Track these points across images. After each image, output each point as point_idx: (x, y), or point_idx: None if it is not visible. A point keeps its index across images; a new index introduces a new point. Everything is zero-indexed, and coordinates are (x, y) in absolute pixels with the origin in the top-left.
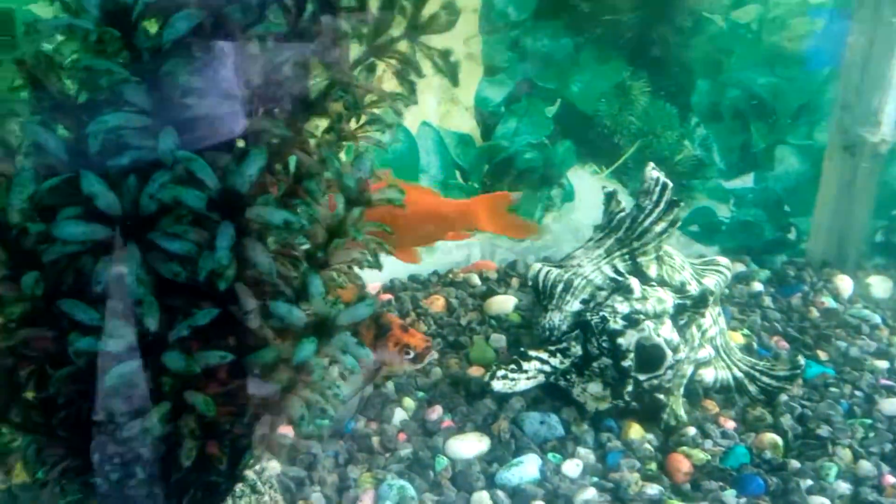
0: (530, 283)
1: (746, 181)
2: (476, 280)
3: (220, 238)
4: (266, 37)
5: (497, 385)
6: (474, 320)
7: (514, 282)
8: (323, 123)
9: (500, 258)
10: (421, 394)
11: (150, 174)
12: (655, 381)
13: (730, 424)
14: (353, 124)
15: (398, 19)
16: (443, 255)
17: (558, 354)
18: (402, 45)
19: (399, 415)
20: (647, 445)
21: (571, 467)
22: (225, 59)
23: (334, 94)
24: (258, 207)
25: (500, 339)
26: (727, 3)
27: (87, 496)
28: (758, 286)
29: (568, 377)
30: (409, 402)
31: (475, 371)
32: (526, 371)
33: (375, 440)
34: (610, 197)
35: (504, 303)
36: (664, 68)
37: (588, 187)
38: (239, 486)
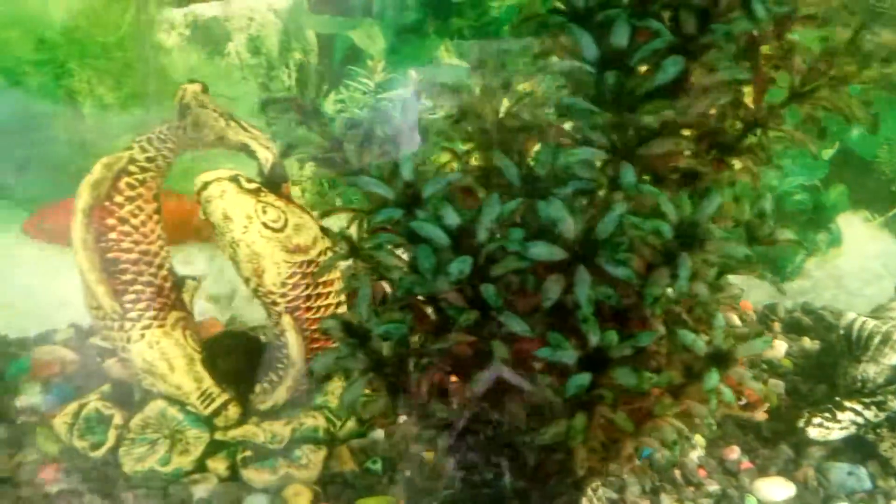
0: (842, 331)
1: None
2: (736, 321)
3: (682, 268)
4: (729, 81)
5: (813, 432)
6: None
7: (776, 325)
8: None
9: (753, 299)
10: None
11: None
12: None
13: None
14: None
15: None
16: None
17: (873, 407)
18: (825, 92)
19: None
20: None
21: None
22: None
23: (751, 135)
24: (718, 241)
25: (776, 385)
26: None
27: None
28: None
29: (878, 431)
30: (698, 437)
31: (760, 415)
32: (840, 421)
33: (677, 472)
34: None
35: (776, 347)
36: None
37: (857, 234)
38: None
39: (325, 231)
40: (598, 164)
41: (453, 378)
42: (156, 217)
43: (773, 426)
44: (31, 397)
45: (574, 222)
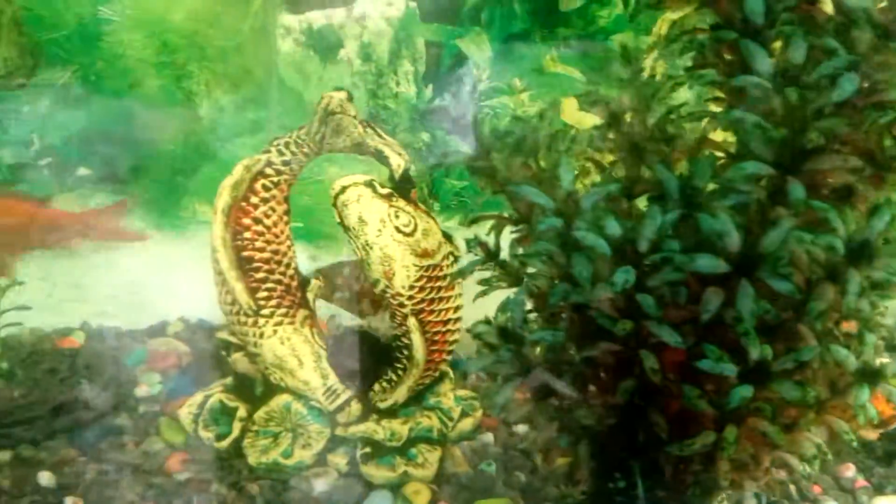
0: None
1: None
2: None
3: (851, 284)
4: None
5: None
6: None
7: None
8: None
9: None
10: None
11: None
12: None
13: None
14: None
15: None
16: None
17: None
18: None
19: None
20: None
21: None
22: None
23: None
24: (886, 258)
25: None
26: None
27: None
28: None
29: None
30: None
31: (871, 434)
32: None
33: (792, 488)
34: None
35: None
36: None
37: None
38: None
39: (447, 237)
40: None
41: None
42: (286, 218)
43: (887, 445)
44: (151, 388)
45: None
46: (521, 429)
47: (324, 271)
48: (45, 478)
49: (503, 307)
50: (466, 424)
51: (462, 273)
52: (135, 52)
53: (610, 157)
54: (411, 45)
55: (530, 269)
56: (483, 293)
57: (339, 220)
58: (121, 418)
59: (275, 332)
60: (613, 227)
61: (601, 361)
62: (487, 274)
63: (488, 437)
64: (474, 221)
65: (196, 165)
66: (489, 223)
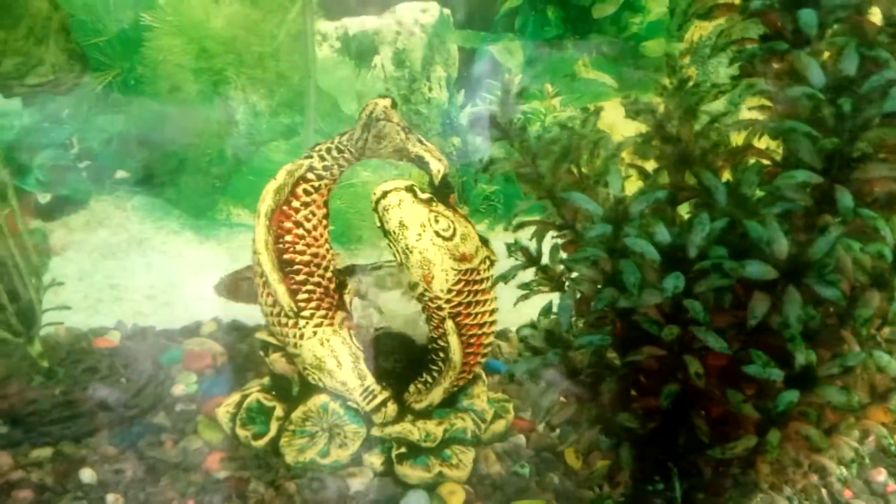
0: None
1: None
2: None
3: None
4: None
5: None
6: None
7: None
8: None
9: None
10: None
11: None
12: None
13: None
14: None
15: None
16: None
17: None
18: None
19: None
20: None
21: None
22: None
23: None
24: None
25: None
26: None
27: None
28: None
29: None
30: None
31: None
32: None
33: (823, 491)
34: None
35: None
36: None
37: None
38: None
39: (484, 241)
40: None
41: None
42: (325, 222)
43: None
44: (187, 387)
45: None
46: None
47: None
48: (87, 475)
49: (546, 311)
50: (499, 426)
51: (504, 277)
52: (174, 57)
53: (652, 164)
54: (444, 51)
55: (574, 274)
56: (524, 297)
57: (379, 225)
58: (158, 417)
59: (314, 333)
60: (663, 234)
61: (644, 366)
62: (528, 278)
63: (520, 439)
64: (518, 227)
65: (231, 169)
66: (529, 228)
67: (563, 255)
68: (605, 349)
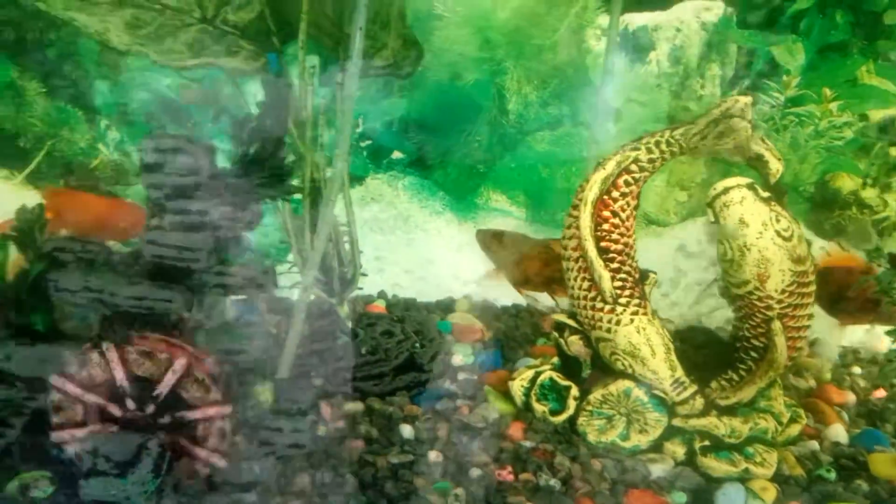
0: None
1: None
2: None
3: None
4: None
5: None
6: None
7: None
8: None
9: None
10: None
11: None
12: None
13: None
14: None
15: None
16: None
17: None
18: None
19: None
20: None
21: None
22: None
23: None
24: None
25: None
26: None
27: None
28: None
29: None
30: None
31: None
32: None
33: None
34: None
35: None
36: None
37: None
38: None
39: (807, 244)
40: None
41: None
42: (634, 213)
43: None
44: (465, 358)
45: None
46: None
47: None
48: (407, 431)
49: None
50: (793, 430)
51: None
52: (458, 46)
53: None
54: (722, 50)
55: None
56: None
57: (713, 220)
58: (446, 383)
59: (631, 320)
60: None
61: None
62: None
63: (813, 444)
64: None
65: (496, 156)
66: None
67: None
68: None
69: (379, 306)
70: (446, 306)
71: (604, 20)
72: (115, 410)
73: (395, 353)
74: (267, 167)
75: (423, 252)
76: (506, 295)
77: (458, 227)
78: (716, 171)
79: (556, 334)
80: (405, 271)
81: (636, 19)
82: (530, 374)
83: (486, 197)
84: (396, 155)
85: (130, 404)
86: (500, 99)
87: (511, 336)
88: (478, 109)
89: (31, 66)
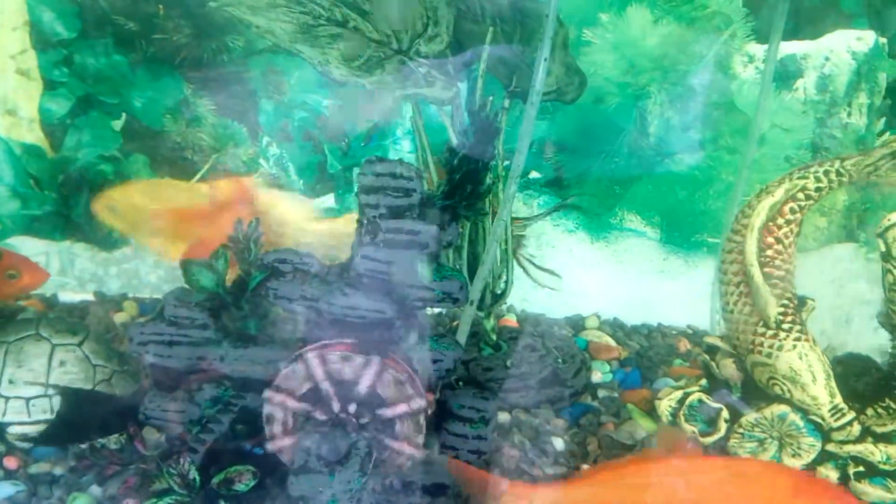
0: None
1: None
2: None
3: None
4: None
5: None
6: None
7: None
8: None
9: None
10: None
11: None
12: None
13: None
14: None
15: None
16: None
17: None
18: None
19: None
20: None
21: None
22: None
23: None
24: None
25: None
26: None
27: None
28: None
29: None
30: None
31: None
32: None
33: None
34: None
35: None
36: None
37: None
38: None
39: None
40: None
41: None
42: (796, 241)
43: None
44: (603, 375)
45: None
46: None
47: None
48: (559, 443)
49: None
50: None
51: None
52: (604, 71)
53: None
54: (872, 79)
55: None
56: None
57: (883, 249)
58: (587, 400)
59: (794, 346)
60: None
61: None
62: None
63: None
64: None
65: (633, 177)
66: None
67: None
68: None
69: (510, 320)
70: (574, 323)
71: (751, 48)
72: (324, 413)
73: (538, 367)
74: (470, 191)
75: (554, 269)
76: (635, 315)
77: (589, 246)
78: (857, 199)
79: (706, 356)
80: (531, 286)
81: (784, 48)
82: (678, 394)
83: (621, 217)
84: (533, 174)
85: (335, 406)
86: (642, 122)
87: (644, 355)
88: (618, 132)
89: (202, 84)
